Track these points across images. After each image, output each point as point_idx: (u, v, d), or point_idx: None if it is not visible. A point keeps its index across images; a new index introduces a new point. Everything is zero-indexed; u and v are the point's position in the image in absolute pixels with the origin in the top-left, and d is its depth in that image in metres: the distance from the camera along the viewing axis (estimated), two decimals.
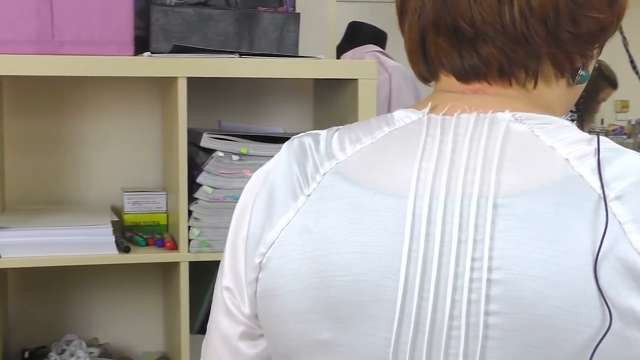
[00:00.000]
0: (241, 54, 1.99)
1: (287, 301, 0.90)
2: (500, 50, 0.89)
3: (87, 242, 1.96)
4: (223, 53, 1.98)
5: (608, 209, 0.80)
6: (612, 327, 0.78)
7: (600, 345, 0.79)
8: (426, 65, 0.95)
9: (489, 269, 0.81)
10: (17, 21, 1.86)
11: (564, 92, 0.95)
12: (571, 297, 0.79)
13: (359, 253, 0.86)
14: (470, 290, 0.81)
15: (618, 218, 0.80)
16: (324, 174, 0.91)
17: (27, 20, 1.87)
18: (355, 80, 2.01)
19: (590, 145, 0.85)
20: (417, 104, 0.95)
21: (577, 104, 4.02)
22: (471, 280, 0.81)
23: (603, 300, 0.78)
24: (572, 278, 0.79)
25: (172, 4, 2.09)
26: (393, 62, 2.51)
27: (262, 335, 0.98)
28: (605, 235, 0.79)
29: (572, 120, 4.25)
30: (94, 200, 2.23)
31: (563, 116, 0.97)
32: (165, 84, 2.10)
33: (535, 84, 0.91)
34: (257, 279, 0.93)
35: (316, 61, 2.03)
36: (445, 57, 0.92)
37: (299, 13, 2.12)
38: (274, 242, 0.91)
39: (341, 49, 3.00)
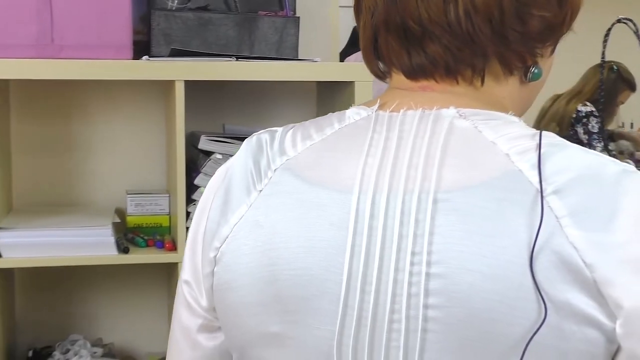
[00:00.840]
0: (239, 58, 2.02)
1: (239, 295, 0.91)
2: (446, 49, 0.90)
3: (88, 243, 1.99)
4: (221, 56, 2.01)
5: (545, 203, 0.81)
6: (548, 320, 0.79)
7: (536, 338, 0.79)
8: (379, 63, 0.97)
9: (428, 263, 0.82)
10: (17, 25, 1.90)
11: (516, 89, 0.95)
12: (508, 290, 0.80)
13: (305, 247, 0.87)
14: (410, 284, 0.82)
15: (555, 212, 0.81)
16: (275, 169, 0.93)
17: (27, 25, 1.90)
18: (352, 82, 2.02)
19: (533, 141, 0.85)
20: (370, 101, 0.97)
21: (597, 107, 3.97)
22: (411, 274, 0.82)
23: (539, 294, 0.79)
24: (508, 272, 0.80)
25: (173, 8, 2.11)
26: None
27: (220, 328, 0.99)
28: (542, 230, 0.80)
29: (597, 123, 4.22)
30: (99, 202, 2.27)
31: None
32: (167, 87, 2.13)
33: (483, 81, 0.92)
34: (212, 273, 0.95)
35: (313, 64, 2.05)
36: (395, 56, 0.93)
37: (298, 17, 2.14)
38: (227, 237, 0.93)
39: (346, 53, 3.01)
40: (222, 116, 2.34)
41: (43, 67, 1.92)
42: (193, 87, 2.03)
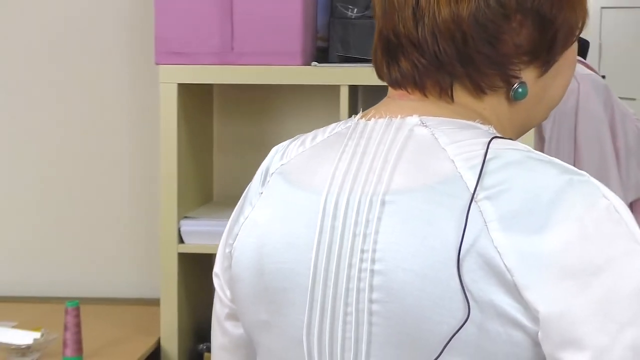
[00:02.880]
0: None
1: (241, 286, 1.02)
2: (414, 65, 0.95)
3: None
4: None
5: (476, 207, 0.84)
6: (473, 319, 0.83)
7: (463, 337, 0.83)
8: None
9: (373, 261, 0.88)
10: (203, 36, 2.12)
11: (504, 106, 0.97)
12: (436, 289, 0.84)
13: (284, 244, 0.96)
14: (359, 279, 0.89)
15: (484, 216, 0.84)
16: (272, 174, 1.03)
17: (211, 35, 2.12)
18: None
19: (483, 148, 0.89)
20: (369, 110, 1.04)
21: None
22: (360, 270, 0.89)
23: (464, 294, 0.83)
24: (437, 272, 0.84)
25: (352, 17, 2.24)
26: (586, 70, 2.46)
27: None
28: (469, 233, 0.83)
29: None
30: None
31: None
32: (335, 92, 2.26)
33: (452, 98, 0.95)
34: (229, 267, 1.06)
35: None
36: (379, 66, 1.00)
37: None
38: (237, 234, 1.04)
39: None
40: None
41: (224, 73, 2.13)
42: (365, 92, 2.13)
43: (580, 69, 2.46)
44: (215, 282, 1.11)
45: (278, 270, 0.96)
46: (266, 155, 1.09)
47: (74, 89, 2.55)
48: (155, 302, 2.24)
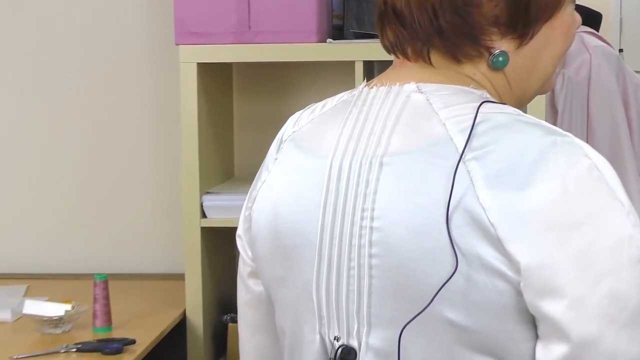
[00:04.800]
0: None
1: (259, 245, 1.10)
2: (395, 34, 1.02)
3: None
4: None
5: (464, 167, 0.91)
6: (461, 271, 0.89)
7: (452, 287, 0.90)
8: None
9: (372, 218, 0.95)
10: (220, 16, 2.19)
11: (493, 75, 1.02)
12: (428, 244, 0.91)
13: (295, 205, 1.03)
14: (360, 236, 0.96)
15: (471, 175, 0.90)
16: (285, 141, 1.10)
17: (228, 15, 2.18)
18: None
19: (473, 112, 0.95)
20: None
21: None
22: (361, 227, 0.96)
23: (452, 248, 0.89)
24: (429, 228, 0.91)
25: None
26: (597, 41, 2.49)
27: None
28: (456, 191, 0.90)
29: None
30: None
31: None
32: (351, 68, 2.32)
33: (432, 64, 1.00)
34: (249, 228, 1.14)
35: None
36: (379, 33, 1.06)
37: None
38: (256, 198, 1.11)
39: None
40: None
41: (242, 52, 2.20)
42: (383, 67, 2.17)
43: (591, 40, 2.50)
44: (239, 243, 1.19)
45: (290, 230, 1.03)
46: None
47: (99, 72, 2.62)
48: (180, 277, 2.32)
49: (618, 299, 0.87)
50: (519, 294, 0.89)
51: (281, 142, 1.11)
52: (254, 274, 1.18)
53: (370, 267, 0.96)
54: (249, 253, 1.17)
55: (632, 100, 2.56)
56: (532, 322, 0.90)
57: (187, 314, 2.24)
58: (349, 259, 0.98)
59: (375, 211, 0.95)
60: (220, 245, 2.42)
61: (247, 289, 1.20)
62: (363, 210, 0.96)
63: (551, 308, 0.87)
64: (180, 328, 2.23)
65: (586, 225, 0.88)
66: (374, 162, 0.97)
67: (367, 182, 0.97)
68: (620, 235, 0.89)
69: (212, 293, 2.33)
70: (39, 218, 2.67)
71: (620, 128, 2.51)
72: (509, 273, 0.89)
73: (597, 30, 2.64)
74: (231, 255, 2.56)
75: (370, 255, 0.95)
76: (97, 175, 2.65)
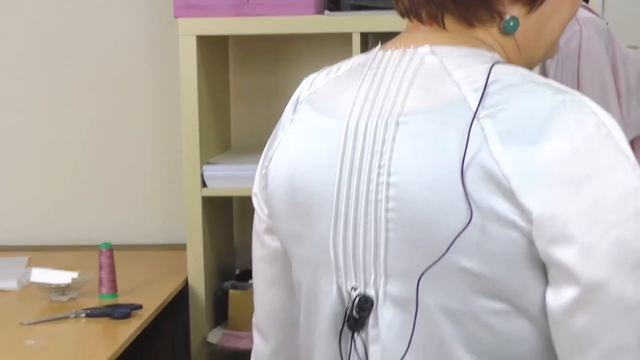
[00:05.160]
0: None
1: (276, 203, 1.15)
2: None
3: None
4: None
5: (478, 124, 0.96)
6: (474, 222, 0.94)
7: (467, 238, 0.95)
8: None
9: (388, 174, 1.00)
10: None
11: (504, 39, 1.06)
12: (443, 198, 0.96)
13: (312, 165, 1.08)
14: (377, 192, 1.01)
15: (485, 132, 0.95)
16: (301, 102, 1.15)
17: None
18: None
19: (486, 72, 1.00)
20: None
21: None
22: (377, 184, 1.01)
23: (467, 201, 0.95)
24: (444, 183, 0.96)
25: None
26: (587, 13, 2.55)
27: None
28: (470, 147, 0.95)
29: None
30: None
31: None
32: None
33: (445, 28, 1.05)
34: (266, 186, 1.18)
35: None
36: None
37: None
38: (272, 157, 1.16)
39: None
40: None
41: (240, 24, 2.24)
42: (378, 39, 2.22)
43: (582, 12, 2.55)
44: (254, 200, 1.23)
45: (307, 188, 1.08)
46: (281, 104, 1.20)
47: (98, 46, 2.65)
48: (180, 247, 2.37)
49: (625, 247, 0.92)
50: (530, 242, 0.94)
51: (297, 103, 1.15)
52: (269, 231, 1.23)
53: (387, 221, 1.00)
54: (265, 210, 1.21)
55: (621, 71, 2.61)
56: (543, 270, 0.96)
57: (189, 281, 2.30)
58: (366, 214, 1.03)
59: (392, 168, 1.00)
60: (218, 215, 2.47)
61: (262, 245, 1.25)
62: (380, 167, 1.01)
63: (562, 255, 0.93)
64: (182, 296, 2.28)
65: (595, 179, 0.94)
66: (390, 121, 1.02)
67: (384, 141, 1.01)
68: (627, 188, 0.94)
69: (213, 261, 2.39)
70: (39, 191, 2.71)
71: (610, 98, 2.57)
72: (522, 223, 0.94)
73: (587, 2, 2.69)
74: (229, 224, 2.61)
75: (387, 210, 1.00)
76: (98, 149, 2.68)
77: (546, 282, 0.96)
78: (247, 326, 2.29)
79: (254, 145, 2.56)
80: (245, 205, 2.62)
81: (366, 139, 1.03)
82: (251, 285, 2.39)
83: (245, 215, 2.63)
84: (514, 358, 0.99)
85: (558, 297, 0.94)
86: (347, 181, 1.04)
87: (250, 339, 2.35)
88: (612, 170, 0.95)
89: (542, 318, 0.97)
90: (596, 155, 0.95)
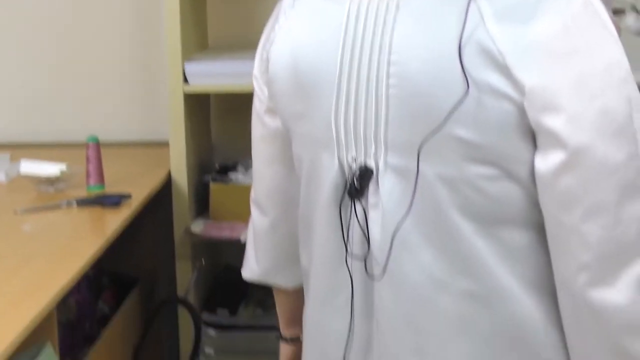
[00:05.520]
0: None
1: (278, 84, 1.22)
2: None
3: None
4: None
5: (475, 5, 1.04)
6: (471, 94, 1.03)
7: (463, 109, 1.04)
8: None
9: (389, 52, 1.08)
10: None
11: None
12: (442, 73, 1.05)
13: (315, 46, 1.16)
14: (378, 69, 1.09)
15: (481, 11, 1.04)
16: None
17: None
18: None
19: None
20: None
21: None
22: (379, 62, 1.09)
23: (464, 75, 1.03)
24: (443, 60, 1.05)
25: None
26: None
27: None
28: (468, 26, 1.03)
29: None
30: None
31: None
32: None
33: None
34: (267, 69, 1.25)
35: None
36: None
37: None
38: (273, 41, 1.23)
39: None
40: None
41: None
42: None
43: None
44: (255, 83, 1.32)
45: (310, 68, 1.16)
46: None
47: None
48: (163, 144, 2.45)
49: (608, 114, 1.02)
50: (522, 113, 1.04)
51: None
52: (270, 111, 1.31)
53: (388, 96, 1.09)
54: (265, 92, 1.29)
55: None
56: (532, 138, 1.05)
57: (172, 175, 2.37)
58: (367, 91, 1.11)
59: (393, 46, 1.08)
60: (198, 112, 2.54)
61: (263, 125, 1.33)
62: (381, 46, 1.09)
63: (552, 122, 1.02)
64: (165, 189, 2.36)
65: (582, 53, 1.03)
66: (391, 4, 1.09)
67: (385, 21, 1.09)
68: (610, 61, 1.04)
69: (194, 155, 2.46)
70: (24, 88, 2.75)
71: None
72: (514, 95, 1.03)
73: None
74: (206, 121, 2.68)
75: (388, 86, 1.08)
76: (79, 48, 2.72)
77: (534, 149, 1.06)
78: (227, 217, 2.40)
79: (230, 45, 2.62)
80: (222, 102, 2.69)
81: (367, 20, 1.11)
82: (231, 180, 2.50)
83: (223, 112, 2.71)
84: (502, 219, 1.10)
85: (546, 161, 1.04)
86: (349, 60, 1.12)
87: (231, 229, 2.45)
88: (597, 45, 1.04)
89: (529, 182, 1.07)
90: (584, 32, 1.04)
